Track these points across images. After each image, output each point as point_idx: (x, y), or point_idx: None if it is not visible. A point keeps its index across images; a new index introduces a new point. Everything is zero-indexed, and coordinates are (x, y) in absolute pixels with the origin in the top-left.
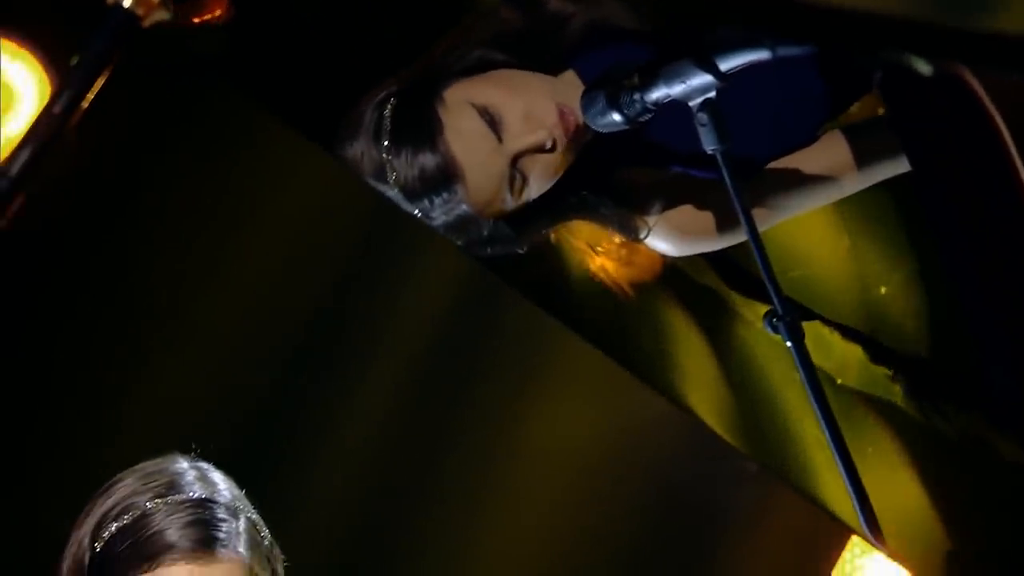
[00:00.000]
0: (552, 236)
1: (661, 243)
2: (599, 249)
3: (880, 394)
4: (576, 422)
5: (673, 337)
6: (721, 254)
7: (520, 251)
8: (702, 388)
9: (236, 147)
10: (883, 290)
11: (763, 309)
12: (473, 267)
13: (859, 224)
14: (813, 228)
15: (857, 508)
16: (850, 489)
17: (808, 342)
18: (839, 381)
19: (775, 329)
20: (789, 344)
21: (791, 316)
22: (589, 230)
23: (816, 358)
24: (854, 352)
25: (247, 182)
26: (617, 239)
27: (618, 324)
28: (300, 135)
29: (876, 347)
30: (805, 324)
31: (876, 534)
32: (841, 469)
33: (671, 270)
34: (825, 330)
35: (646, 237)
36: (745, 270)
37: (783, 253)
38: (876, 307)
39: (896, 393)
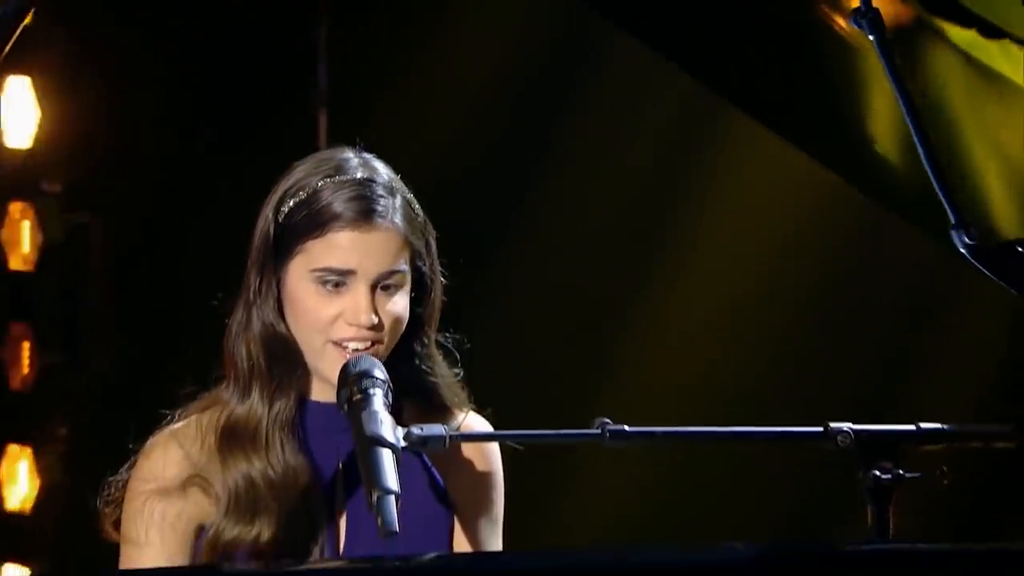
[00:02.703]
0: None
1: None
2: None
3: None
4: None
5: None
6: None
7: None
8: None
9: None
10: None
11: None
12: None
13: None
14: None
15: (948, 208)
16: (938, 189)
17: (1002, 59)
18: None
19: (859, 25)
20: (871, 37)
21: (873, 13)
22: None
23: (1011, 72)
24: None
25: None
26: None
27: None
28: None
29: None
30: (997, 41)
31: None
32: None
33: None
34: (1013, 47)
35: None
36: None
37: None
38: None
39: None
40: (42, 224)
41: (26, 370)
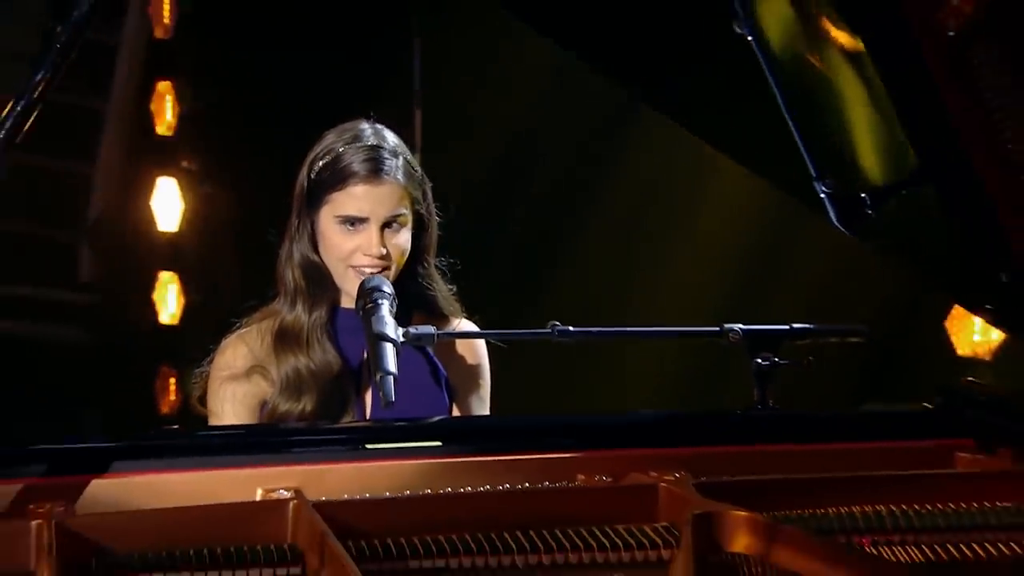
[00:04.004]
0: None
1: None
2: None
3: None
4: None
5: None
6: None
7: None
8: None
9: None
10: None
11: None
12: None
13: None
14: None
15: (810, 165)
16: (803, 150)
17: None
18: None
19: (743, 31)
20: (750, 39)
21: (751, 22)
22: None
23: None
24: None
25: None
26: None
27: None
28: None
29: None
30: None
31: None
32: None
33: None
34: None
35: None
36: None
37: None
38: None
39: None
40: (183, 194)
41: (173, 308)
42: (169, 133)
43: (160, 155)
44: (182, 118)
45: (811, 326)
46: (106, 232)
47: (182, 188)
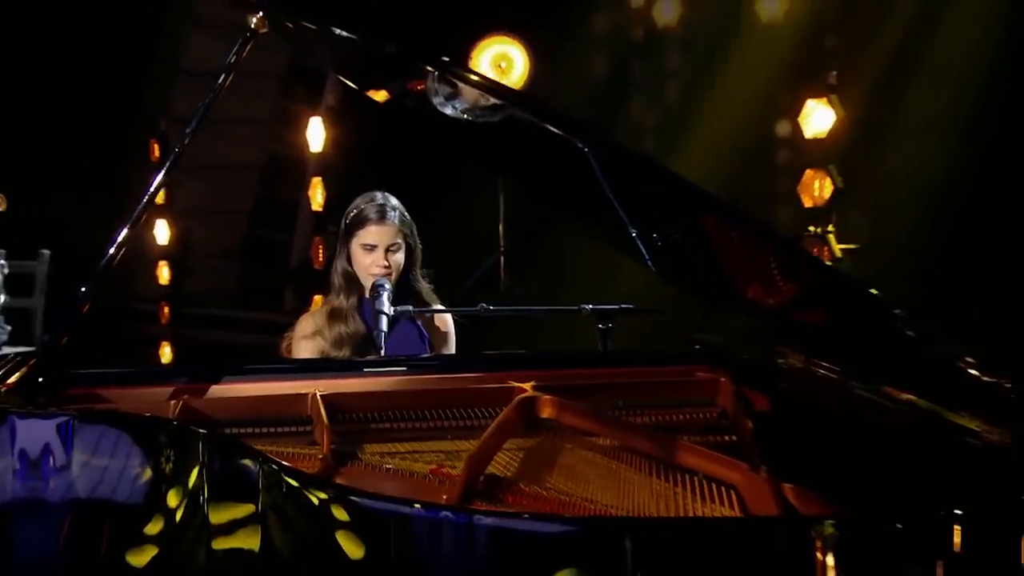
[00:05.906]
0: None
1: None
2: None
3: None
4: None
5: None
6: None
7: (495, 120)
8: None
9: None
10: None
11: None
12: None
13: None
14: None
15: (627, 222)
16: (623, 215)
17: None
18: None
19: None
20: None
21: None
22: None
23: None
24: None
25: None
26: None
27: None
28: None
29: None
30: None
31: None
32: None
33: None
34: None
35: None
36: None
37: None
38: None
39: None
40: (327, 248)
41: None
42: (320, 210)
43: (314, 224)
44: (328, 199)
45: (631, 305)
46: (296, 274)
47: (326, 244)
